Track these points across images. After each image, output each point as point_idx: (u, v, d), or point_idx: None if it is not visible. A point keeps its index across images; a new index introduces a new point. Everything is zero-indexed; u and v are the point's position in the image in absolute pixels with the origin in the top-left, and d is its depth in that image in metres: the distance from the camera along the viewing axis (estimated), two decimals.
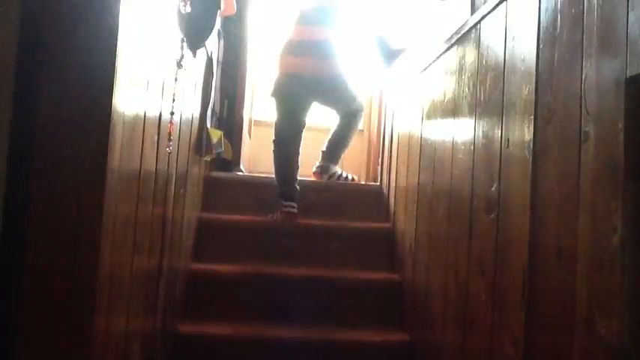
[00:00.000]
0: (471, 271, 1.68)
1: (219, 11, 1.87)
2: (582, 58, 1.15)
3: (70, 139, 0.98)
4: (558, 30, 1.26)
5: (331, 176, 3.37)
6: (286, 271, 2.57)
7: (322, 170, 3.35)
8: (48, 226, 0.97)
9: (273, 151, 3.03)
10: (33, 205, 0.96)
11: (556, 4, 1.28)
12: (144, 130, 1.25)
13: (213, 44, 2.48)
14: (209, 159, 2.79)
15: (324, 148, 3.37)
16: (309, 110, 3.13)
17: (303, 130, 3.08)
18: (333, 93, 3.11)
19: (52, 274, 0.97)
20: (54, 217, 0.97)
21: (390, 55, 3.01)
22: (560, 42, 1.25)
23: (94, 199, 0.98)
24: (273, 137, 3.05)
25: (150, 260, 1.53)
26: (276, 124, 3.08)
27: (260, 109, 4.84)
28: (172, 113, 1.38)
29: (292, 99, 3.01)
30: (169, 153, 1.45)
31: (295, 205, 2.88)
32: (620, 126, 0.99)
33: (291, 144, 3.01)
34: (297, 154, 3.03)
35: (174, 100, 1.40)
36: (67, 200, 0.97)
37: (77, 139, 0.98)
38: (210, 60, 2.40)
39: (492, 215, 1.54)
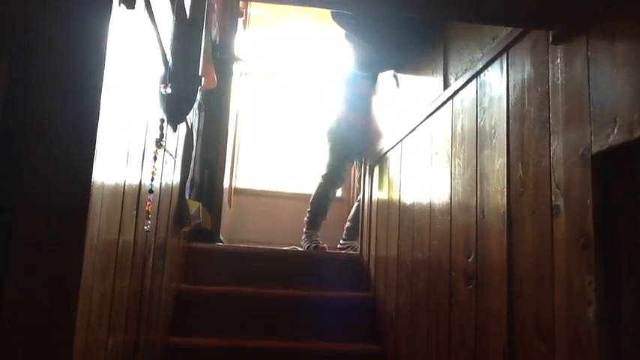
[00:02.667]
0: (452, 343, 1.67)
1: (199, 87, 1.91)
2: (550, 134, 1.19)
3: (49, 215, 0.98)
4: (526, 107, 1.32)
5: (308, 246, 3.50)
6: (267, 344, 2.51)
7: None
8: (23, 305, 0.95)
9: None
10: (9, 280, 0.95)
11: (523, 83, 1.34)
12: (122, 206, 1.25)
13: (193, 116, 2.53)
14: (188, 230, 2.78)
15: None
16: None
17: None
18: None
19: (25, 355, 0.94)
20: (30, 295, 0.95)
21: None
22: (528, 118, 1.30)
23: (70, 278, 0.97)
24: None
25: (126, 337, 1.49)
26: None
27: (241, 176, 4.88)
28: (151, 191, 1.39)
29: None
30: (147, 231, 1.45)
31: None
32: (589, 200, 1.02)
33: None
34: None
35: (152, 178, 1.41)
36: (42, 279, 0.96)
37: (56, 216, 0.98)
38: (190, 132, 2.43)
39: (471, 286, 1.55)
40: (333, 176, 3.62)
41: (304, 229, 3.64)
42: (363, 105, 3.44)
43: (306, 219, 3.66)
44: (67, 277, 0.97)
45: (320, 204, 3.63)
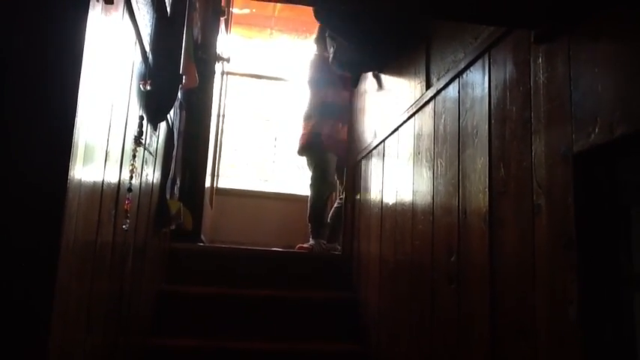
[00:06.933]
0: (434, 343, 1.67)
1: (180, 85, 1.89)
2: (531, 134, 1.20)
3: (23, 214, 0.95)
4: (508, 106, 1.32)
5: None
6: (249, 346, 2.49)
7: None
8: None
9: None
10: None
11: (505, 83, 1.34)
12: (101, 205, 1.23)
13: (174, 115, 2.50)
14: (168, 230, 2.75)
15: None
16: None
17: None
18: None
19: None
20: (4, 296, 0.93)
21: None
22: (510, 118, 1.30)
23: (46, 278, 0.95)
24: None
25: (105, 338, 1.47)
26: None
27: (223, 176, 4.85)
28: (130, 190, 1.37)
29: None
30: (126, 230, 1.42)
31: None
32: (570, 200, 1.03)
33: None
34: None
35: (131, 176, 1.38)
36: (17, 280, 0.94)
37: (31, 215, 0.95)
38: (171, 131, 2.40)
39: (453, 286, 1.55)
40: (320, 172, 3.60)
41: (310, 238, 3.62)
42: (324, 82, 3.52)
43: (309, 229, 3.64)
44: (43, 278, 0.95)
45: (317, 214, 3.61)
